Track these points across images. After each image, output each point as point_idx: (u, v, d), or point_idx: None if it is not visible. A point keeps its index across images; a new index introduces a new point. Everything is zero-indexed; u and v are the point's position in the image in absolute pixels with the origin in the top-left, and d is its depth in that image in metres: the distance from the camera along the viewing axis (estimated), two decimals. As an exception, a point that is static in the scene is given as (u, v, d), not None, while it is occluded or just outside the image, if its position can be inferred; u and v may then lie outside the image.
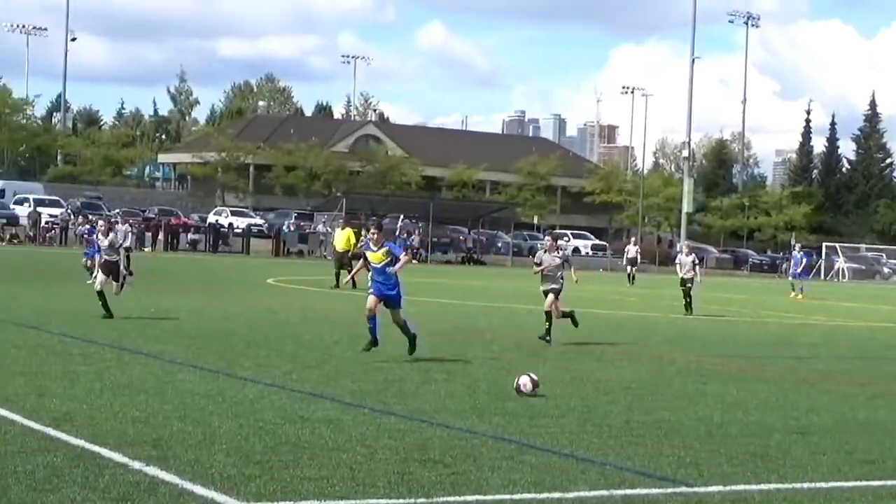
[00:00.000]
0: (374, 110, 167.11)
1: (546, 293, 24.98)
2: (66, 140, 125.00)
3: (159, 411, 13.76)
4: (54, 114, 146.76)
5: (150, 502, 9.63)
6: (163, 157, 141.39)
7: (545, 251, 26.03)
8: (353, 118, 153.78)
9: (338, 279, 41.68)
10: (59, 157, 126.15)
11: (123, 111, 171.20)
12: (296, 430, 12.98)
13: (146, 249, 76.60)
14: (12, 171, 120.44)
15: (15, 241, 76.64)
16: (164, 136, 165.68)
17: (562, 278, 25.23)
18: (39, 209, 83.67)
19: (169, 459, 11.17)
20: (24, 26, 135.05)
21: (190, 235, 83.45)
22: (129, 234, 47.86)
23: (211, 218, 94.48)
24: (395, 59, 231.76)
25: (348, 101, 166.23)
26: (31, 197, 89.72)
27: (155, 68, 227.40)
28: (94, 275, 29.65)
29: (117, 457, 11.16)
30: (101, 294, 25.80)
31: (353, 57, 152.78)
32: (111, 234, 27.15)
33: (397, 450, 12.18)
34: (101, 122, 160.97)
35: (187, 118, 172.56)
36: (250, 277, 47.44)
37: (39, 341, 20.46)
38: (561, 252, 25.84)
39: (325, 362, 19.38)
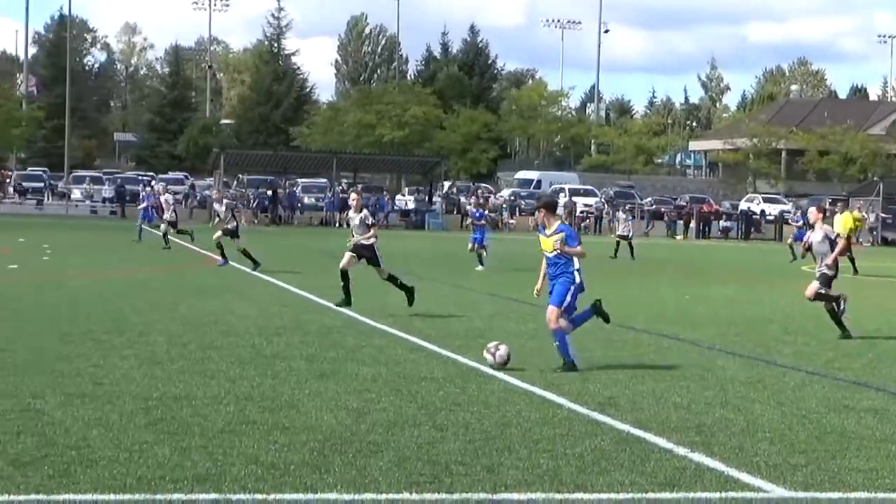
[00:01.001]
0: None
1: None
2: (599, 130, 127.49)
3: (700, 398, 13.80)
4: (588, 104, 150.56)
5: (697, 488, 9.67)
6: (693, 145, 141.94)
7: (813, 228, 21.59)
8: (889, 99, 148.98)
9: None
10: (592, 147, 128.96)
11: (654, 100, 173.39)
12: (840, 420, 12.71)
13: (678, 237, 77.28)
14: (548, 161, 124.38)
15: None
16: (694, 124, 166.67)
17: (830, 263, 20.67)
18: (574, 199, 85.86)
19: (713, 446, 11.19)
20: (559, 21, 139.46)
21: (721, 223, 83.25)
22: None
23: (742, 205, 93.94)
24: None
25: (884, 82, 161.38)
26: (566, 187, 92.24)
27: (686, 56, 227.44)
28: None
29: (661, 442, 11.30)
30: (343, 274, 22.51)
31: (889, 36, 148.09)
32: (364, 211, 22.94)
33: (949, 443, 11.72)
34: (633, 112, 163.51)
35: (718, 105, 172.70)
36: (782, 264, 46.85)
37: (581, 327, 20.89)
38: (824, 229, 20.90)
39: (868, 350, 18.87)
